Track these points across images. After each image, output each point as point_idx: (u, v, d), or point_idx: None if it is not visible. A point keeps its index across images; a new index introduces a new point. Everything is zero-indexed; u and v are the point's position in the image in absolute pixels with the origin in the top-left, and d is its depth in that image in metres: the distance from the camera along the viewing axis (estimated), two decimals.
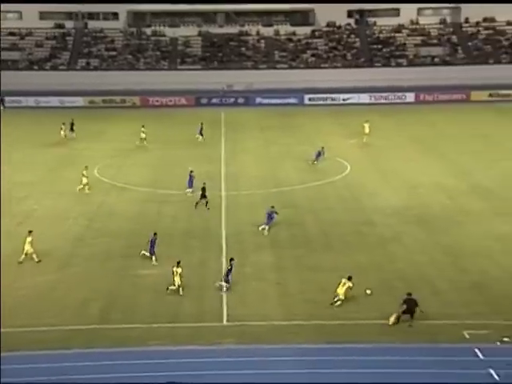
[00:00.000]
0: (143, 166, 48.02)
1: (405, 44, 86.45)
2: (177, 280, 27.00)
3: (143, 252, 30.67)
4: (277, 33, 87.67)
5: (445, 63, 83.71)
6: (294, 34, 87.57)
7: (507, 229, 33.95)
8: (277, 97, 75.70)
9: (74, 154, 51.31)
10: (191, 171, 40.99)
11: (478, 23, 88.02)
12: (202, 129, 56.03)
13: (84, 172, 41.68)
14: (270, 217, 34.31)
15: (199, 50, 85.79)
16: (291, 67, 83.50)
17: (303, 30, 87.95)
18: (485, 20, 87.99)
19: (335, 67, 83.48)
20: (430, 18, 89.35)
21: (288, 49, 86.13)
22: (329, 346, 23.02)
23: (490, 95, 75.06)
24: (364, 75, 79.92)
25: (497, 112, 67.27)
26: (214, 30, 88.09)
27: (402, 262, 30.26)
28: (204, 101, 75.36)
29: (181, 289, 27.03)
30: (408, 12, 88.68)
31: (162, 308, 26.15)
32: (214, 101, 75.32)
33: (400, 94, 75.58)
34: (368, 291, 26.28)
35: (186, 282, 28.39)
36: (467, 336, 23.39)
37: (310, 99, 75.59)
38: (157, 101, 74.90)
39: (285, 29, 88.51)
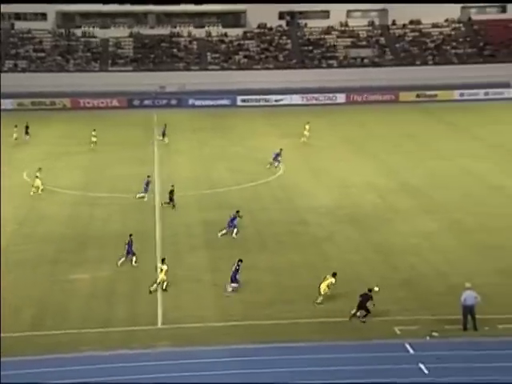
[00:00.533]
0: (74, 169, 47.20)
1: (335, 46, 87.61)
2: (161, 276, 27.23)
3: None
4: (209, 34, 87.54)
5: (374, 64, 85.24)
6: (225, 35, 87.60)
7: (434, 226, 34.83)
8: (209, 98, 75.65)
9: (3, 158, 50.01)
10: (148, 176, 40.68)
11: (404, 25, 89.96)
12: (165, 130, 55.55)
13: (37, 174, 41.05)
14: (232, 221, 33.89)
15: (131, 51, 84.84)
16: (223, 68, 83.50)
17: (235, 32, 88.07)
18: (411, 22, 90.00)
19: (267, 68, 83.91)
20: (358, 20, 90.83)
21: (220, 50, 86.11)
22: (264, 345, 23.12)
23: (418, 96, 76.90)
24: (296, 76, 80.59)
25: (424, 112, 68.95)
26: (145, 31, 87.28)
27: (335, 260, 30.65)
28: (136, 102, 74.63)
29: (165, 283, 27.25)
30: (337, 14, 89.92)
31: (94, 313, 25.76)
32: (147, 102, 74.68)
33: (331, 94, 76.59)
34: (376, 288, 25.75)
35: (119, 285, 28.12)
36: (398, 332, 23.87)
37: (242, 100, 75.80)
38: (88, 103, 73.75)
39: (216, 30, 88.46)
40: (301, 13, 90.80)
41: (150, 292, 27.15)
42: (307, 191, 41.57)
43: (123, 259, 30.14)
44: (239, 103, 75.52)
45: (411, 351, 22.52)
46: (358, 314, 24.77)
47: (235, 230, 33.73)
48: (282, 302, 26.40)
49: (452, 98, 76.17)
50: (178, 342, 23.49)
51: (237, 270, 27.54)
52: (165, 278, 27.36)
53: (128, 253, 30.18)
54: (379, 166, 47.50)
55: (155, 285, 27.37)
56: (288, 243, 32.84)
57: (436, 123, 63.37)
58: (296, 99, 75.82)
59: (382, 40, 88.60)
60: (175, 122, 64.31)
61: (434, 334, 23.53)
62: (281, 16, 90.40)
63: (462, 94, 76.89)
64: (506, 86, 78.36)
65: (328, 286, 26.33)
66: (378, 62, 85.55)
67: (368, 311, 24.72)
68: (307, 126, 55.02)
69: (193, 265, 30.12)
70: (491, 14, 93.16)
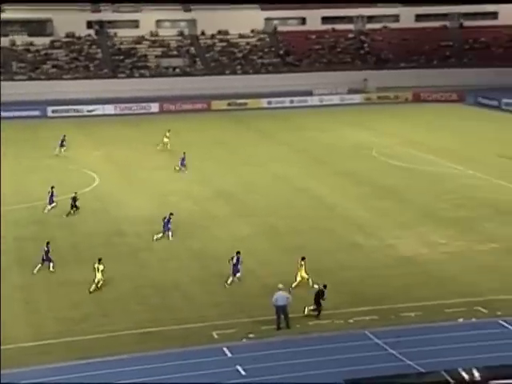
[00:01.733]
0: None
1: (146, 55, 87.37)
2: (99, 276, 27.78)
3: None
4: (13, 43, 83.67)
5: (185, 74, 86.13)
6: (31, 44, 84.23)
7: (248, 230, 35.71)
8: (17, 109, 72.29)
9: None
10: (52, 187, 39.13)
11: (213, 36, 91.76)
12: (63, 141, 52.87)
13: None
14: (167, 223, 34.15)
15: None
16: (31, 78, 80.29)
17: (41, 41, 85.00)
18: (219, 33, 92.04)
19: (77, 78, 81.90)
20: (168, 30, 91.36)
21: (26, 59, 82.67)
22: (82, 361, 22.41)
23: (229, 104, 78.71)
24: (108, 86, 79.47)
25: (235, 120, 70.72)
26: None
27: (153, 269, 30.47)
28: None
29: (100, 283, 27.83)
30: (147, 24, 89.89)
31: None
32: None
33: (145, 104, 76.27)
34: (315, 286, 26.86)
35: None
36: (216, 336, 24.15)
37: (53, 111, 73.29)
38: None
39: (21, 39, 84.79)
40: (109, 22, 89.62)
41: (90, 292, 27.47)
42: (124, 201, 41.01)
43: (39, 266, 29.88)
44: (50, 114, 72.96)
45: (229, 354, 22.89)
46: (312, 308, 25.19)
47: (171, 233, 34.06)
48: (100, 315, 25.78)
49: (261, 106, 78.87)
50: None
51: (237, 262, 28.53)
52: (102, 277, 27.78)
53: (44, 260, 30.03)
54: (194, 173, 47.95)
55: (94, 285, 27.67)
56: (105, 255, 31.95)
57: (246, 130, 65.18)
58: (109, 109, 74.66)
59: (193, 50, 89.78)
60: None
61: (250, 335, 24.10)
62: (89, 25, 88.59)
63: (269, 102, 79.84)
64: (309, 94, 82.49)
65: (305, 270, 27.85)
66: (189, 72, 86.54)
67: (319, 305, 25.14)
68: (168, 134, 54.88)
69: (4, 283, 28.55)
70: (292, 25, 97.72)
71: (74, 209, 38.32)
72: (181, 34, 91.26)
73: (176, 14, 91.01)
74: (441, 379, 16.74)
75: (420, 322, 24.69)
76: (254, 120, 70.51)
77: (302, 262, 28.04)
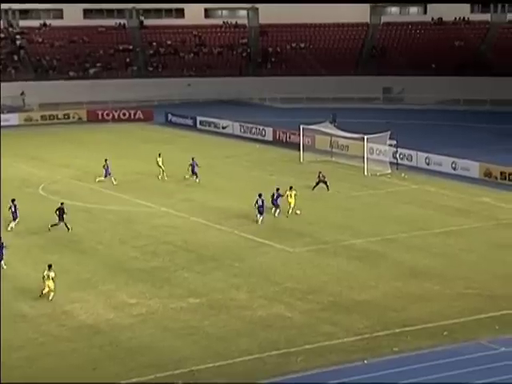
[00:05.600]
0: None
1: None
2: (49, 284, 33.13)
3: None
4: None
5: None
6: None
7: None
8: None
9: None
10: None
11: None
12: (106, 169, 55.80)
13: None
14: (276, 200, 45.14)
15: None
16: None
17: None
18: None
19: None
20: None
21: None
22: None
23: None
24: None
25: None
26: None
27: None
28: None
29: (52, 294, 33.14)
30: None
31: None
32: None
33: None
34: (298, 211, 45.29)
35: None
36: None
37: None
38: None
39: None
40: None
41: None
42: None
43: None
44: None
45: None
46: None
47: (278, 210, 45.45)
48: None
49: None
50: None
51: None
52: (52, 286, 33.06)
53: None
54: None
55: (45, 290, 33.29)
56: None
57: None
58: None
59: None
60: None
61: None
62: None
63: None
64: None
65: (294, 196, 45.22)
66: None
67: None
68: (159, 159, 57.16)
69: None
70: None
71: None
72: None
73: None
74: None
75: None
76: None
77: (292, 193, 45.03)
